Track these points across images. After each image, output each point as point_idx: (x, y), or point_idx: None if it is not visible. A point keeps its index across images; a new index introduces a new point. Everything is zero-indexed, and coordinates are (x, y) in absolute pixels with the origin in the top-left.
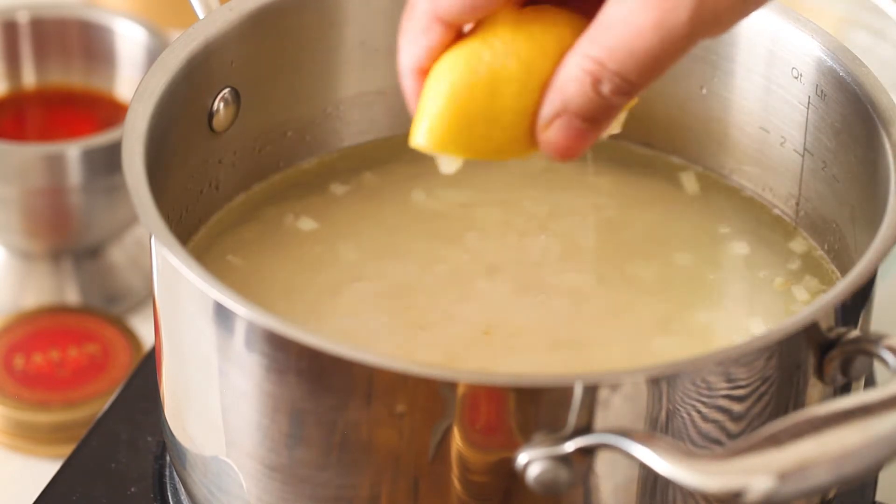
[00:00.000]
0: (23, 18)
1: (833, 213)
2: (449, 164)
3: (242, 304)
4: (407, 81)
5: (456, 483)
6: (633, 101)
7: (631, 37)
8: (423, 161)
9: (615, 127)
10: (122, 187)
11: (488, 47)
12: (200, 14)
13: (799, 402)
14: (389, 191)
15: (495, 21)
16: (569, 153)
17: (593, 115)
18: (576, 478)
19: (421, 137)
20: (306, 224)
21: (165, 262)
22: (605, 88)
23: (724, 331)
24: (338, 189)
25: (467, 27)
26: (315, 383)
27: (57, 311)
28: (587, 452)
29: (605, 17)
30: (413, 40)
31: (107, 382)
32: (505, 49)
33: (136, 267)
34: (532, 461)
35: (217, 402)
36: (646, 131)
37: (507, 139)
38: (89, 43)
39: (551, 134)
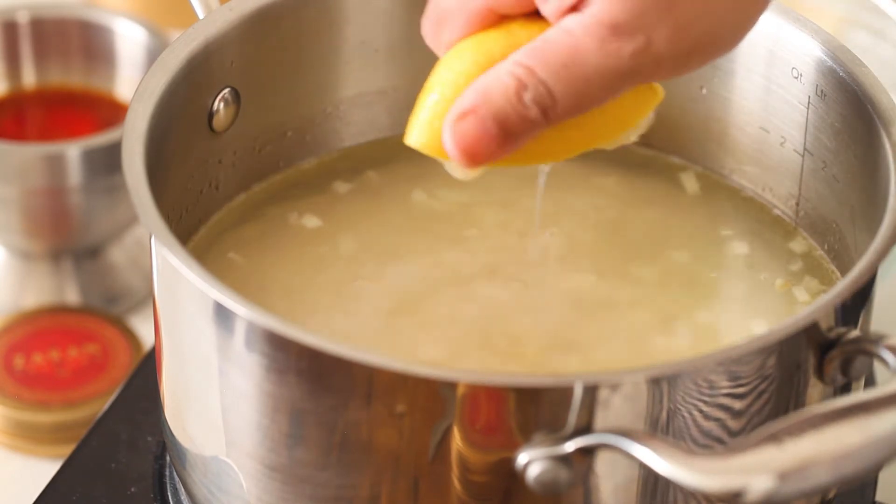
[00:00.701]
0: (23, 18)
1: (833, 213)
2: (457, 170)
3: (242, 304)
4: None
5: (456, 483)
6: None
7: (569, 53)
8: (423, 161)
9: (643, 127)
10: (122, 187)
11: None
12: (200, 14)
13: (799, 402)
14: (390, 191)
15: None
16: (471, 154)
17: (506, 121)
18: (576, 478)
19: (414, 139)
20: (311, 221)
21: (165, 262)
22: (528, 96)
23: (725, 331)
24: (341, 187)
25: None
26: (315, 383)
27: (57, 311)
28: (587, 452)
29: (549, 34)
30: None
31: (107, 382)
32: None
33: (136, 267)
34: (532, 461)
35: (217, 402)
36: (646, 131)
37: None
38: (89, 43)
39: (460, 126)
